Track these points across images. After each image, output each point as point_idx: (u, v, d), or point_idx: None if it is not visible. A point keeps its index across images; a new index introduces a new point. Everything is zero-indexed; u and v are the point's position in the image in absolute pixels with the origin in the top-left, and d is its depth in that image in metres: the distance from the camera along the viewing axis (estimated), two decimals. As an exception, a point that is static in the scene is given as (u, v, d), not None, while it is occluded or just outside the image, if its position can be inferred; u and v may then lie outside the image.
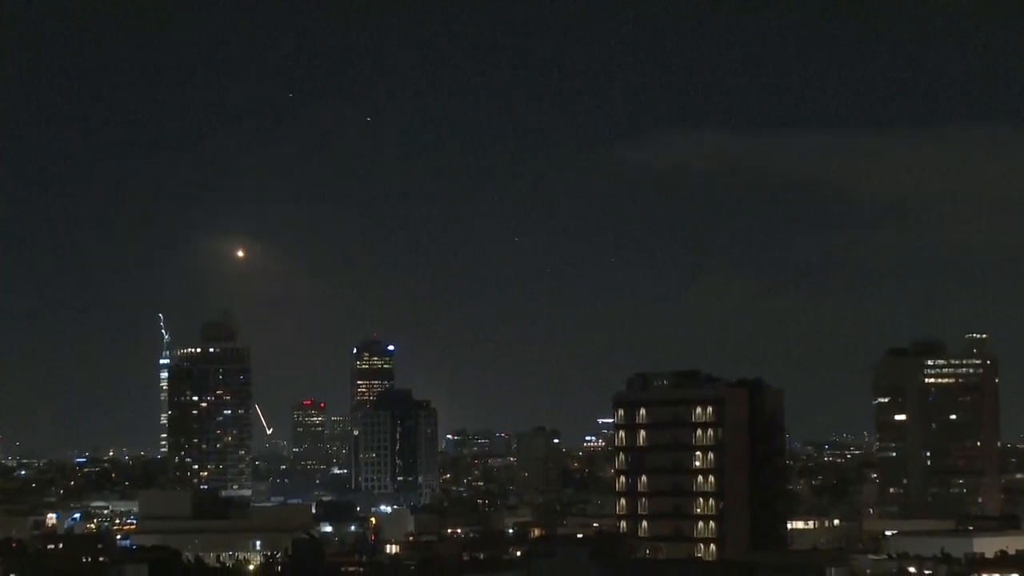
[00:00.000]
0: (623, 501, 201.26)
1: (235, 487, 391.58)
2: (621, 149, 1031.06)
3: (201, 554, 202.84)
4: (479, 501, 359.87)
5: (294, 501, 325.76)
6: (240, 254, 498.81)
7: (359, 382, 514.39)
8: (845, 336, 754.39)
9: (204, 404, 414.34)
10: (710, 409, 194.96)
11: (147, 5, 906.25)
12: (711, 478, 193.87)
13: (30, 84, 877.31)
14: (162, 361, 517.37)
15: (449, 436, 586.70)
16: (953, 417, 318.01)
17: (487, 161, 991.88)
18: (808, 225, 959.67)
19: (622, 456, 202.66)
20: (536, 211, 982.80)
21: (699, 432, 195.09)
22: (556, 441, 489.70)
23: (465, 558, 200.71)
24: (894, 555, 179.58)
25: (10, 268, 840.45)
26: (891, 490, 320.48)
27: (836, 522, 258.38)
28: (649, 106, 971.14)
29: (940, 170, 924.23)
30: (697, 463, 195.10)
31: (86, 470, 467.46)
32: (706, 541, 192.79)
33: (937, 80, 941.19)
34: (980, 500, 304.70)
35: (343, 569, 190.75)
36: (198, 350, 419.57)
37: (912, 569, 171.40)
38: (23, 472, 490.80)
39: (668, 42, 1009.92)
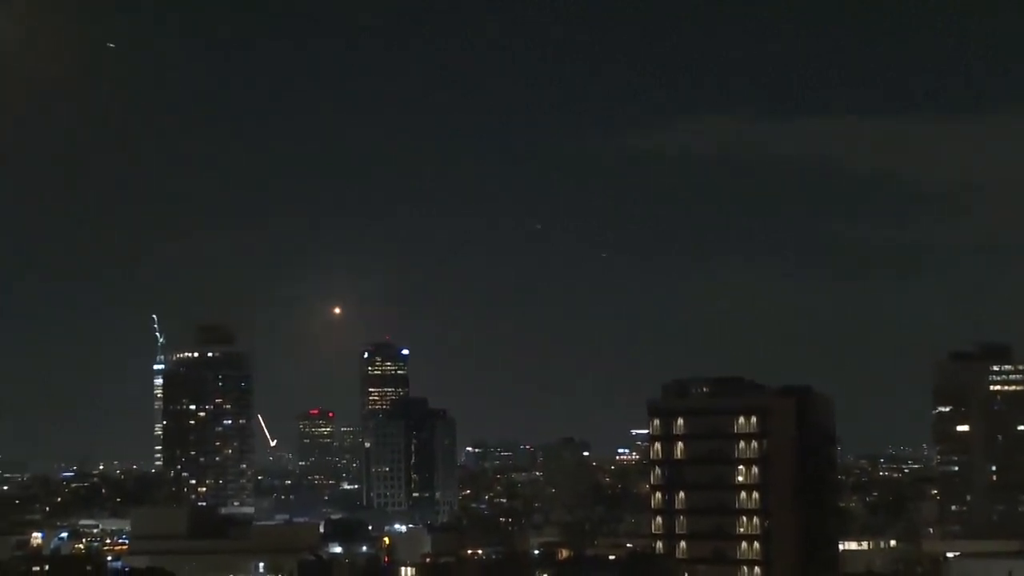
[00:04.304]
0: (659, 519, 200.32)
1: (235, 504, 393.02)
2: (633, 139, 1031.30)
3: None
4: (501, 519, 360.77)
5: (300, 519, 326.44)
6: None
7: (371, 389, 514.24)
8: (902, 338, 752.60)
9: (202, 413, 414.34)
10: (754, 419, 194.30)
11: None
12: (755, 494, 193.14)
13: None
14: (156, 366, 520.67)
15: (469, 448, 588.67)
16: (1021, 428, 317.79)
17: (498, 157, 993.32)
18: (859, 215, 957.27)
19: (658, 470, 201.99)
20: (556, 208, 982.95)
21: (742, 444, 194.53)
22: (586, 454, 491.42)
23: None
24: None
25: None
26: (953, 508, 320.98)
27: (892, 543, 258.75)
28: (658, 94, 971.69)
29: (1007, 158, 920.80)
30: (740, 478, 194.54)
31: (74, 485, 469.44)
32: (750, 563, 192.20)
33: (998, 63, 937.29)
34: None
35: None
36: (195, 354, 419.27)
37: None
38: (4, 487, 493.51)
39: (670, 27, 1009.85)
